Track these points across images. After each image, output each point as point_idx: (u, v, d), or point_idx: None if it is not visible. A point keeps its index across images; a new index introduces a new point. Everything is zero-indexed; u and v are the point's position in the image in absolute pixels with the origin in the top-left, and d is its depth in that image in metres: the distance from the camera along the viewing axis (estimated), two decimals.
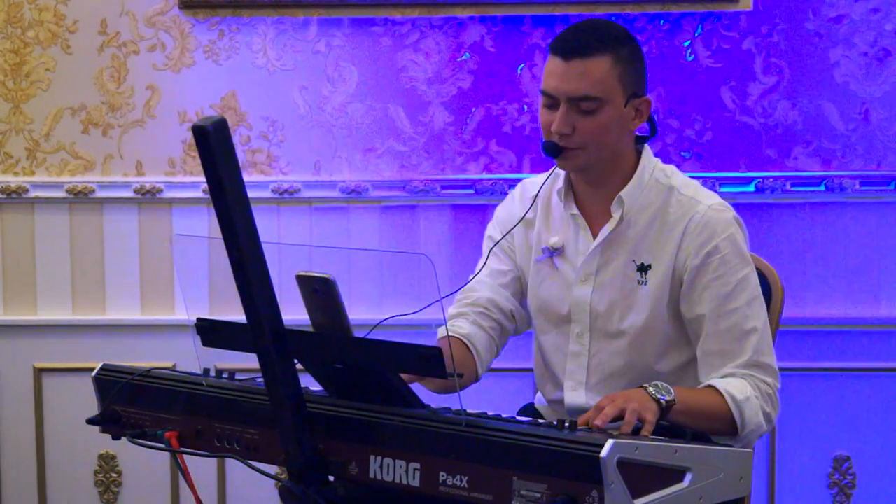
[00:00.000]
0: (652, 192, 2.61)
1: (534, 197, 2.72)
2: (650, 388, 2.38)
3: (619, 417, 2.27)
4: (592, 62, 2.53)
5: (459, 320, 2.71)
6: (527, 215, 2.72)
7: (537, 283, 2.71)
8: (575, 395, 2.67)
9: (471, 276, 2.76)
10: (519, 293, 2.77)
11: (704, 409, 2.47)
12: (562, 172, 2.67)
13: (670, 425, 2.41)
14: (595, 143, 2.55)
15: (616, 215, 2.60)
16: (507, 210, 2.78)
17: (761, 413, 2.52)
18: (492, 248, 2.76)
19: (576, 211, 2.66)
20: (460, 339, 2.68)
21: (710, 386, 2.51)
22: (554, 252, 2.68)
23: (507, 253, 2.77)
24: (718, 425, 2.49)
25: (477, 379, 2.72)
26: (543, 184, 2.73)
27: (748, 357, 2.54)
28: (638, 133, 2.66)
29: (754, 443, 2.57)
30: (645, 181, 2.61)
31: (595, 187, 2.64)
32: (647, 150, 2.65)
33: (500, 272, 2.76)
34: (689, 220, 2.57)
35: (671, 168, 2.67)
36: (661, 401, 2.36)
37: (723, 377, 2.54)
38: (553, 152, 2.56)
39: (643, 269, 2.59)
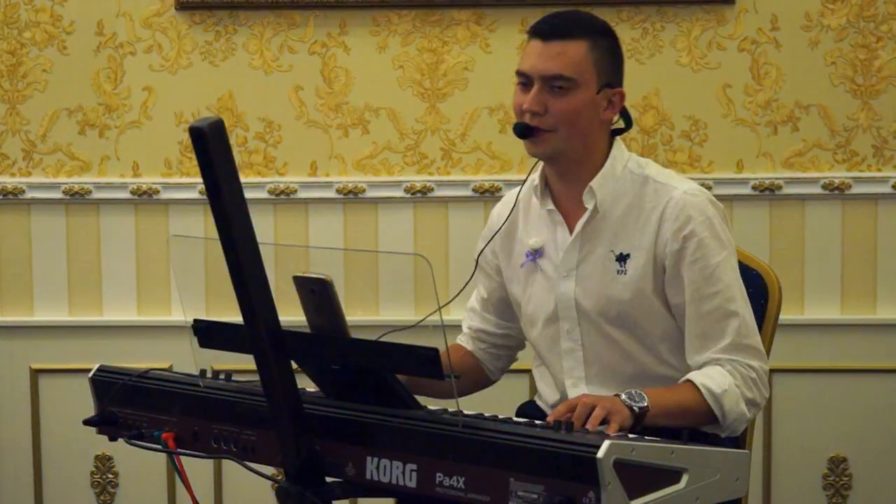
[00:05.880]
0: (626, 182, 2.62)
1: (513, 201, 2.74)
2: (623, 396, 2.41)
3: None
4: (570, 44, 2.56)
5: (463, 338, 2.87)
6: (508, 221, 2.74)
7: (524, 290, 2.72)
8: (577, 392, 2.66)
9: (473, 291, 2.87)
10: (508, 312, 2.81)
11: (683, 409, 2.49)
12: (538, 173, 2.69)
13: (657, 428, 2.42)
14: (565, 126, 2.56)
15: (589, 206, 2.61)
16: (491, 225, 2.80)
17: (742, 402, 2.53)
18: (477, 258, 2.80)
19: (552, 206, 2.67)
20: (466, 349, 2.84)
21: (687, 380, 2.53)
22: (536, 254, 2.69)
23: (493, 273, 2.80)
24: (700, 419, 2.51)
25: (491, 383, 2.87)
26: (522, 186, 2.74)
27: (730, 340, 2.55)
28: (614, 128, 2.67)
29: (741, 429, 2.57)
30: (618, 172, 2.62)
31: (568, 181, 2.64)
32: (619, 143, 2.66)
33: (485, 300, 2.84)
34: (665, 207, 2.58)
35: (646, 160, 2.68)
36: (634, 408, 2.39)
37: (705, 363, 2.55)
38: (523, 133, 2.57)
39: (622, 258, 2.60)
